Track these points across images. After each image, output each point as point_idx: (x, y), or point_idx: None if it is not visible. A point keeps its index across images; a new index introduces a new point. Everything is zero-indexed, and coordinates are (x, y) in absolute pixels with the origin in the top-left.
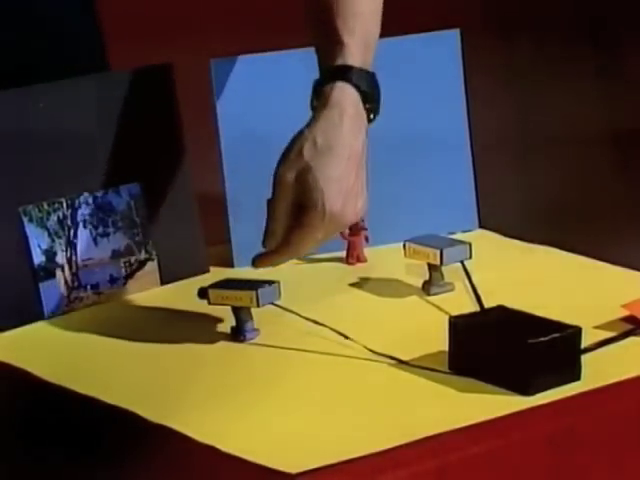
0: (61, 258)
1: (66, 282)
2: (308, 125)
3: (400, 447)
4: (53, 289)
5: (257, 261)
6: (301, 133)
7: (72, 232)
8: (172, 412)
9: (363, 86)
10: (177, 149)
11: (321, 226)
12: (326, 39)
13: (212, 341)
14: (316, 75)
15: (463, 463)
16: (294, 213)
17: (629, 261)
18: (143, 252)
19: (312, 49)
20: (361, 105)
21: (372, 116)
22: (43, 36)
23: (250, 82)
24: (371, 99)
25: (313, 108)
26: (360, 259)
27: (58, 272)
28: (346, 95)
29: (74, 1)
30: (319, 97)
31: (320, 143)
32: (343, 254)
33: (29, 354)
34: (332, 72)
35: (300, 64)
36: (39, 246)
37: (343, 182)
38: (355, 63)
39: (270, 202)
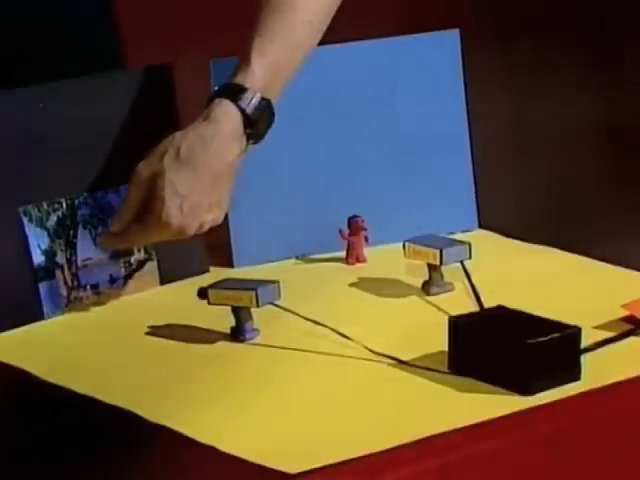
0: (61, 258)
1: (66, 282)
2: (182, 132)
3: (400, 447)
4: (53, 289)
5: (101, 239)
6: (172, 137)
7: (72, 232)
8: (172, 412)
9: (248, 110)
10: None
11: (156, 231)
12: (239, 54)
13: (212, 341)
14: (316, 76)
15: (463, 463)
16: (143, 207)
17: (629, 261)
18: (142, 252)
19: (313, 50)
20: (241, 128)
21: (252, 141)
22: (60, 37)
23: None
24: (254, 125)
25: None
26: (360, 259)
27: (58, 272)
28: (228, 115)
29: (90, 2)
30: (206, 107)
31: (182, 154)
32: (343, 254)
33: (29, 354)
34: (226, 88)
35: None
36: (39, 246)
37: (191, 198)
38: (252, 86)
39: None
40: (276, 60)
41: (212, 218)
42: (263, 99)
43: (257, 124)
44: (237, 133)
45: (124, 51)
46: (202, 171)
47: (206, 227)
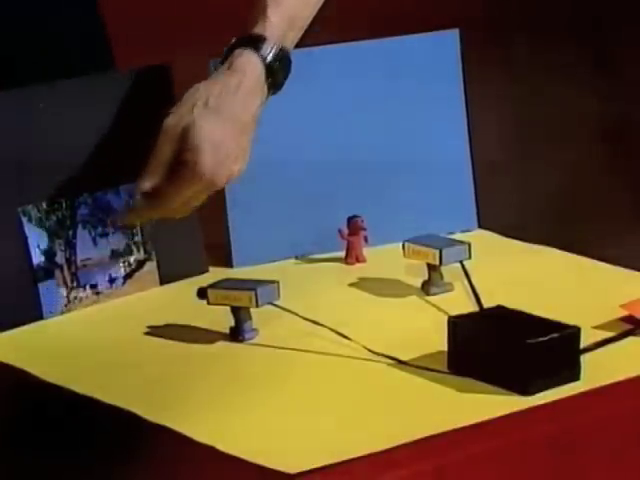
0: (60, 258)
1: (65, 282)
2: (206, 83)
3: (399, 447)
4: (52, 289)
5: (121, 218)
6: (197, 89)
7: (71, 232)
8: (171, 412)
9: (269, 59)
10: None
11: (190, 183)
12: (254, 8)
13: (211, 341)
14: (316, 76)
15: (462, 463)
16: (174, 161)
17: (628, 261)
18: (142, 252)
19: (312, 49)
20: (263, 77)
21: (272, 91)
22: (46, 37)
23: None
24: (275, 75)
25: (216, 67)
26: (359, 259)
27: (57, 272)
28: (251, 64)
29: (77, 2)
30: (226, 58)
31: (211, 104)
32: (342, 254)
33: (28, 354)
34: (246, 39)
35: (300, 63)
36: (38, 246)
37: (221, 147)
38: (271, 35)
39: (153, 149)
40: (292, 10)
41: (238, 169)
42: (281, 49)
43: (277, 74)
44: (260, 83)
45: (112, 54)
46: (230, 121)
47: (233, 178)
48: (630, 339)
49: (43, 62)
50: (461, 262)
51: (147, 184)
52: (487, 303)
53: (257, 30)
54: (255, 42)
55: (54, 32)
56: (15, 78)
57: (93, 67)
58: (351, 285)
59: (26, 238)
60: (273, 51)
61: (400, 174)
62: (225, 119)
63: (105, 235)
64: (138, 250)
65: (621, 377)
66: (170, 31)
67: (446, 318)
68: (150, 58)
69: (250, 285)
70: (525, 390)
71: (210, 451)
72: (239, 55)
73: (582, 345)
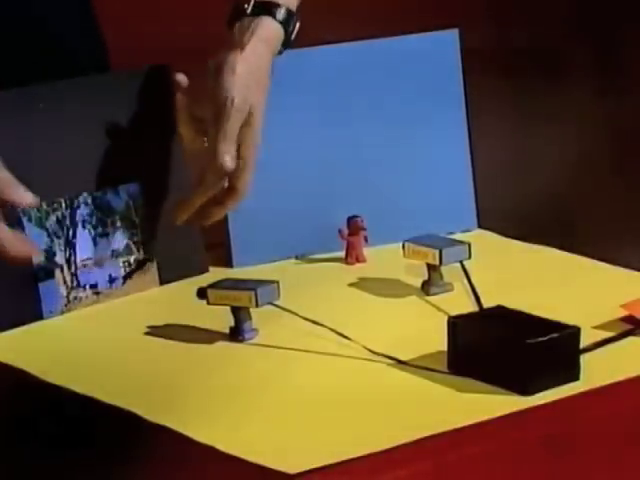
0: (60, 258)
1: (65, 282)
2: (239, 50)
3: (399, 447)
4: (52, 289)
5: (183, 209)
6: (234, 56)
7: (71, 232)
8: (171, 412)
9: (287, 26)
10: (176, 149)
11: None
12: None
13: (211, 341)
14: (316, 76)
15: (462, 463)
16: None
17: (629, 261)
18: (142, 252)
19: (312, 49)
20: (280, 42)
21: (282, 49)
22: (42, 37)
23: None
24: (288, 39)
25: (231, 24)
26: (359, 259)
27: (57, 272)
28: (275, 33)
29: (72, 1)
30: (246, 24)
31: (255, 78)
32: (342, 254)
33: (28, 354)
34: (263, 5)
35: (299, 63)
36: (38, 246)
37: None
38: (287, 4)
39: (222, 124)
40: None
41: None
42: (289, 10)
43: (289, 35)
44: (277, 48)
45: (108, 56)
46: (265, 88)
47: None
48: (630, 339)
49: (42, 62)
50: (461, 262)
51: (231, 163)
52: (487, 303)
53: None
54: (270, 9)
55: (52, 32)
56: (15, 78)
57: (90, 67)
58: (351, 285)
59: None
60: (284, 14)
61: (400, 174)
62: (263, 90)
63: (105, 235)
64: (138, 250)
65: (621, 377)
66: (170, 31)
67: (446, 318)
68: (150, 58)
69: (250, 285)
70: (525, 390)
71: (210, 451)
72: (269, 25)
73: (582, 345)
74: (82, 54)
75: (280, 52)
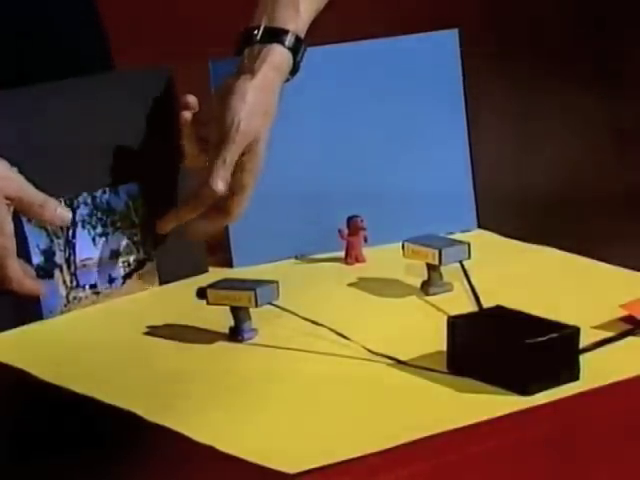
0: (60, 258)
1: (65, 282)
2: (249, 76)
3: (399, 447)
4: (51, 289)
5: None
6: (244, 82)
7: (71, 232)
8: (171, 412)
9: (295, 53)
10: (176, 149)
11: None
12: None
13: (210, 341)
14: (316, 76)
15: (462, 463)
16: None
17: (629, 261)
18: (142, 252)
19: (312, 49)
20: (289, 69)
21: (289, 78)
22: (45, 37)
23: None
24: (296, 66)
25: (240, 51)
26: (359, 259)
27: (57, 272)
28: (284, 60)
29: (76, 3)
30: (256, 50)
31: (263, 106)
32: (342, 254)
33: (27, 354)
34: (273, 32)
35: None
36: (38, 246)
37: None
38: (296, 28)
39: (224, 148)
40: (320, 3)
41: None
42: (297, 37)
43: (297, 62)
44: (286, 75)
45: (112, 57)
46: (272, 117)
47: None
48: (630, 339)
49: (47, 61)
50: (461, 262)
51: (224, 186)
52: (486, 303)
53: (289, 26)
54: (279, 35)
55: (58, 31)
56: (20, 78)
57: (93, 66)
58: (351, 285)
59: (26, 238)
60: (293, 41)
61: (400, 174)
62: (270, 119)
63: (105, 235)
64: (138, 250)
65: (620, 377)
66: (170, 31)
67: (445, 318)
68: (150, 58)
69: (250, 285)
70: (524, 390)
71: (210, 451)
72: (280, 54)
73: (581, 345)
74: (86, 53)
75: (287, 80)
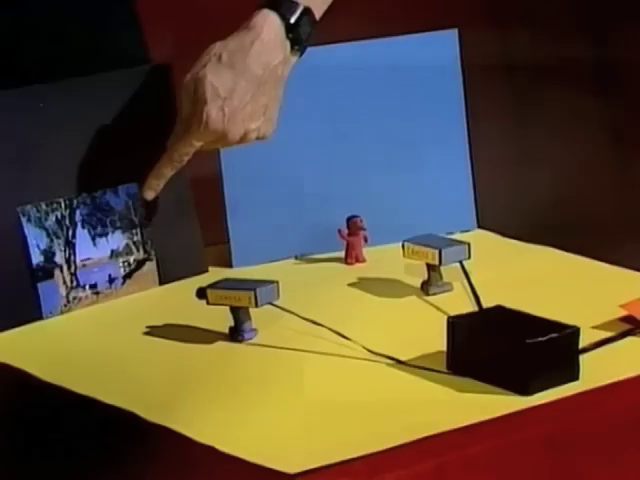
0: (59, 258)
1: (64, 282)
2: (223, 41)
3: (399, 447)
4: (51, 289)
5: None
6: (213, 46)
7: (70, 232)
8: (171, 412)
9: (289, 17)
10: None
11: (199, 134)
12: None
13: (210, 341)
14: (316, 76)
15: (462, 463)
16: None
17: (628, 261)
18: (141, 252)
19: (312, 49)
20: (283, 34)
21: (297, 47)
22: (79, 27)
23: None
24: (295, 30)
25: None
26: (359, 259)
27: (56, 272)
28: (267, 22)
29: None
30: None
31: (223, 60)
32: (342, 254)
33: (27, 354)
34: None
35: (300, 63)
36: (37, 246)
37: (232, 100)
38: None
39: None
40: None
41: (256, 127)
42: (305, 9)
43: (298, 28)
44: (278, 38)
45: (146, 47)
46: (242, 74)
47: (251, 137)
48: (629, 339)
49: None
50: (460, 262)
51: (171, 139)
52: (486, 303)
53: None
54: (278, 3)
55: (93, 28)
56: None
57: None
58: (351, 285)
59: (25, 238)
60: (295, 9)
61: (400, 174)
62: (238, 73)
63: (104, 235)
64: (138, 250)
65: (620, 377)
66: (170, 31)
67: (445, 318)
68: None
69: (250, 285)
70: (524, 390)
71: (210, 451)
72: (258, 13)
73: (581, 345)
74: (124, 48)
75: (294, 45)
